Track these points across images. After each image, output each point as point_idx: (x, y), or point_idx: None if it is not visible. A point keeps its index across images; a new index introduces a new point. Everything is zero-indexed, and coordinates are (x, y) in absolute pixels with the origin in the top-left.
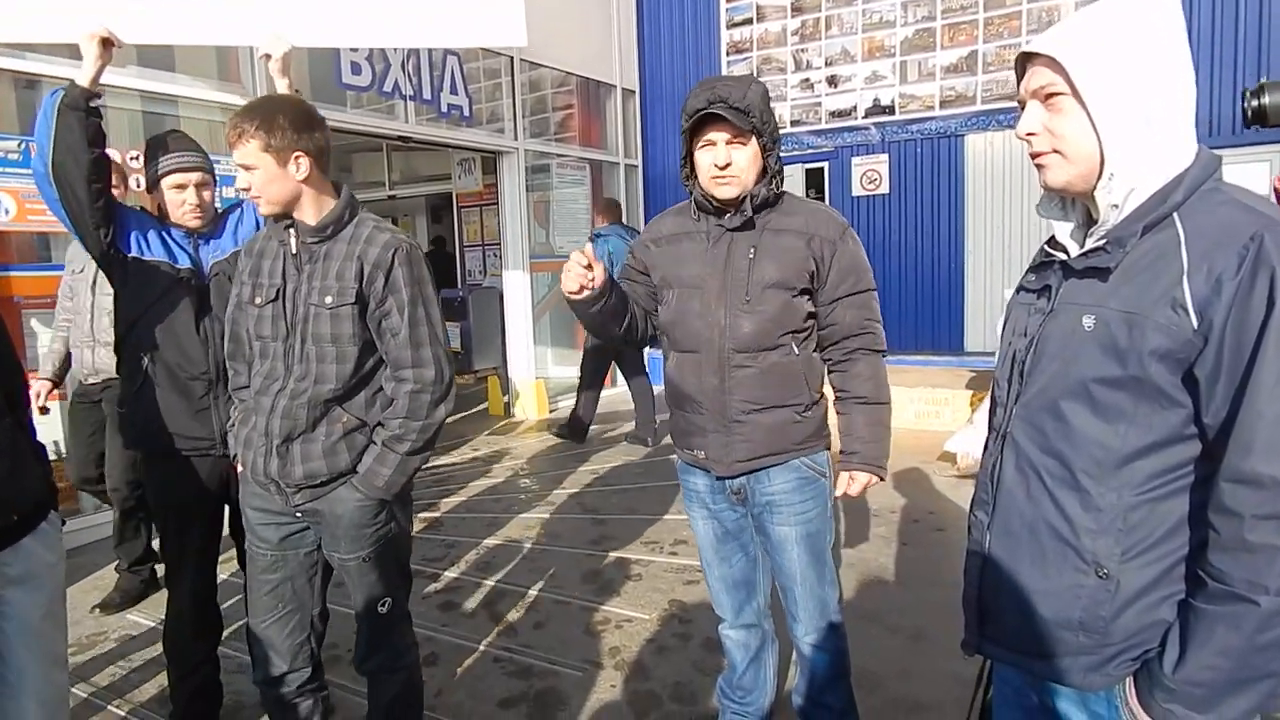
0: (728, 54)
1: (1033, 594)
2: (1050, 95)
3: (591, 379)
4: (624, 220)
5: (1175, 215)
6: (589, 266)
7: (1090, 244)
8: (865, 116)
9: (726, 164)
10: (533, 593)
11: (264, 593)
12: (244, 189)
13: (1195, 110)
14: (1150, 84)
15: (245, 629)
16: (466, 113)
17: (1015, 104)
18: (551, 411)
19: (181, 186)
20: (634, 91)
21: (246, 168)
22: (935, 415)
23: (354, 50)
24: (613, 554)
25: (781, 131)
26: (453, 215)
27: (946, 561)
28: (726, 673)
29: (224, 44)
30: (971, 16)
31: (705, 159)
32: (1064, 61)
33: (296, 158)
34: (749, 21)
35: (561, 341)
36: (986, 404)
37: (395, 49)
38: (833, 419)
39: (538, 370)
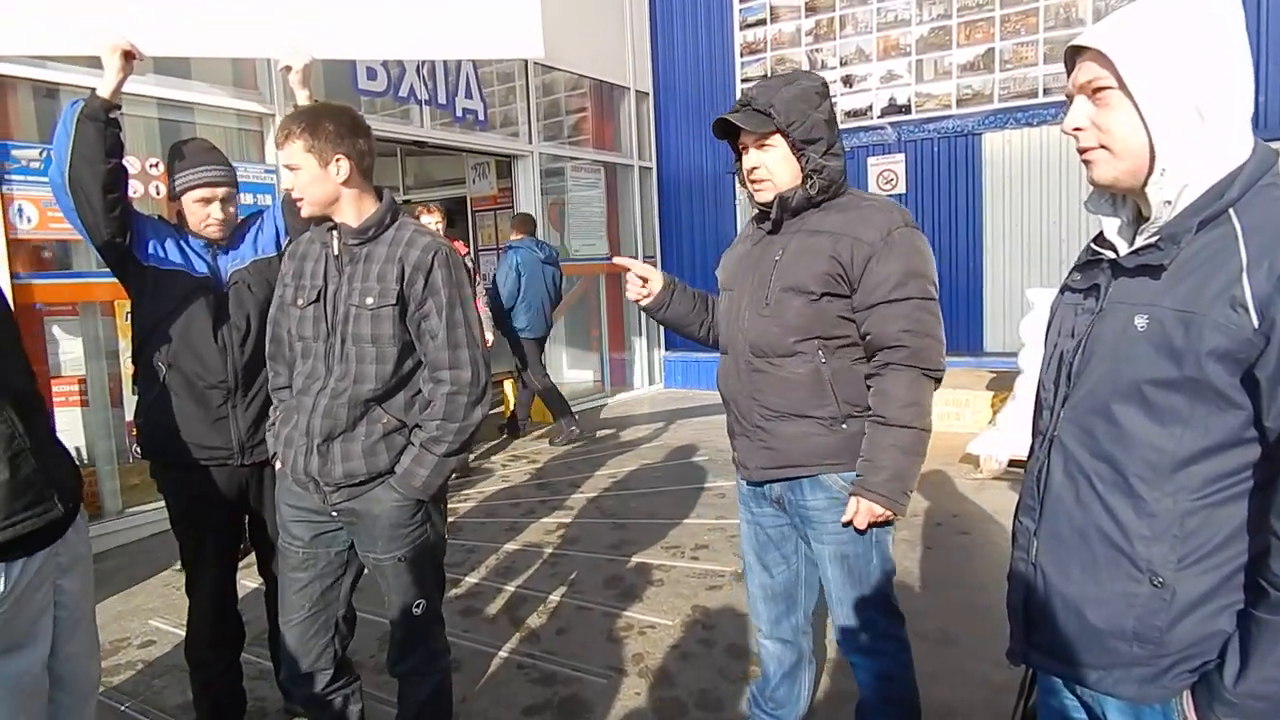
0: (741, 55)
1: (1084, 602)
2: (1098, 90)
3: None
4: (538, 234)
5: (1231, 211)
6: (643, 279)
7: (1141, 241)
8: (881, 116)
9: (754, 166)
10: (554, 598)
11: (295, 590)
12: (289, 188)
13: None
14: (1203, 77)
15: (267, 635)
16: (481, 117)
17: (1032, 101)
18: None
19: (207, 201)
20: (648, 94)
21: (291, 168)
22: (956, 417)
23: None
24: (634, 559)
25: None
26: (467, 219)
27: (970, 565)
28: (759, 681)
29: (244, 56)
30: (988, 14)
31: (745, 162)
32: (1111, 55)
33: (337, 160)
34: (762, 22)
35: (578, 344)
36: (1010, 406)
37: None
38: None
39: (554, 374)
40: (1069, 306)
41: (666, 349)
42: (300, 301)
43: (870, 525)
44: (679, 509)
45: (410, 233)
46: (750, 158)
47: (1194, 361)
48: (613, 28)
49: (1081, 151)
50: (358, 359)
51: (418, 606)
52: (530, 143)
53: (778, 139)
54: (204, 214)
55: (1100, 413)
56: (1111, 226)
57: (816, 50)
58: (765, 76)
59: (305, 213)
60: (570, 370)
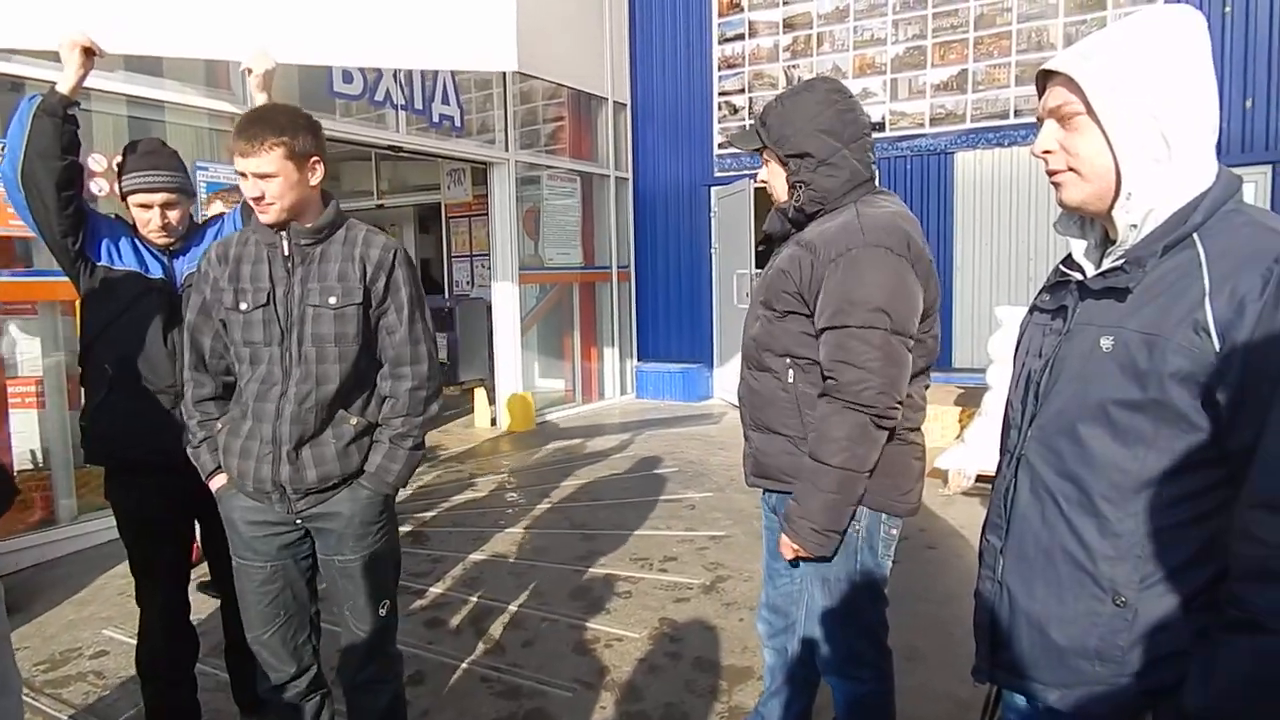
0: (719, 69)
1: (1047, 621)
2: (1067, 114)
3: None
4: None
5: (1195, 236)
6: None
7: (1108, 264)
8: None
9: (763, 180)
10: (520, 610)
11: (264, 605)
12: (255, 198)
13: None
14: (1169, 104)
15: (224, 647)
16: (458, 123)
17: (1003, 122)
18: (539, 424)
19: (146, 206)
20: (625, 105)
21: (265, 175)
22: (925, 432)
23: None
24: (602, 571)
25: None
26: (441, 225)
27: (938, 579)
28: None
29: (208, 57)
30: (962, 35)
31: None
32: (1080, 81)
33: (314, 163)
34: (741, 37)
35: (550, 353)
36: (978, 422)
37: None
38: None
39: (524, 383)
40: (1037, 327)
41: (639, 359)
42: (244, 305)
43: (814, 557)
44: (648, 521)
45: (363, 232)
46: (762, 170)
47: (1157, 383)
48: (592, 38)
49: (1050, 174)
50: (318, 360)
51: (383, 607)
52: (507, 150)
53: (769, 155)
54: (145, 219)
55: (1067, 433)
56: (1079, 248)
57: (794, 66)
58: (792, 87)
59: (271, 219)
60: (542, 379)
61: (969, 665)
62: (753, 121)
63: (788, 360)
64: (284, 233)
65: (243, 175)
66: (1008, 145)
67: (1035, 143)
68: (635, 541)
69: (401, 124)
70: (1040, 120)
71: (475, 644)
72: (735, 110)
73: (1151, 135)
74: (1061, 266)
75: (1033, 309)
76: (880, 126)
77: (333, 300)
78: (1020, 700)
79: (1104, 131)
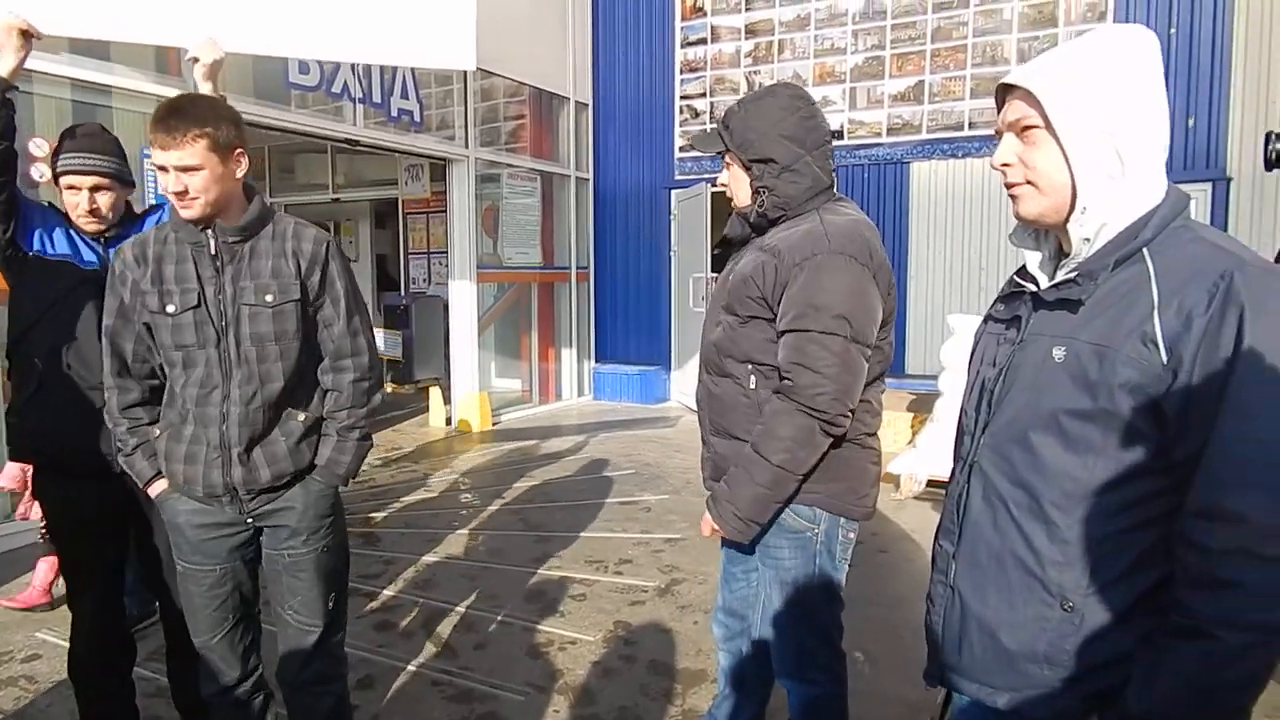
0: (681, 72)
1: (998, 625)
2: (1026, 128)
3: None
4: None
5: (1145, 251)
6: None
7: (1061, 276)
8: None
9: (725, 183)
10: (473, 612)
11: (213, 610)
12: (178, 192)
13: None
14: (1124, 121)
15: (165, 651)
16: (417, 118)
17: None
18: (495, 424)
19: (75, 189)
20: (587, 105)
21: (188, 169)
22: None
23: None
24: (556, 573)
25: None
26: (398, 221)
27: (888, 583)
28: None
29: (153, 43)
30: (920, 47)
31: None
32: (1039, 95)
33: (239, 155)
34: (703, 41)
35: (507, 353)
36: (929, 427)
37: None
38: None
39: (481, 382)
40: (991, 336)
41: (596, 361)
42: (172, 308)
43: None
44: (604, 523)
45: (292, 225)
46: (723, 173)
47: (1107, 393)
48: (555, 37)
49: (1008, 186)
50: (259, 359)
51: (332, 599)
52: (467, 147)
53: (732, 159)
54: (73, 202)
55: (1019, 441)
56: (1034, 260)
57: (755, 72)
58: (755, 92)
59: (195, 214)
60: (498, 379)
61: (919, 669)
62: (715, 125)
63: (749, 366)
64: (208, 230)
65: (162, 169)
66: (962, 157)
67: (995, 155)
68: (590, 544)
69: (359, 117)
70: (999, 134)
71: (426, 647)
72: (697, 114)
73: (1106, 151)
74: (1016, 277)
75: (987, 318)
76: (839, 135)
77: (269, 298)
78: (970, 703)
79: (1061, 146)
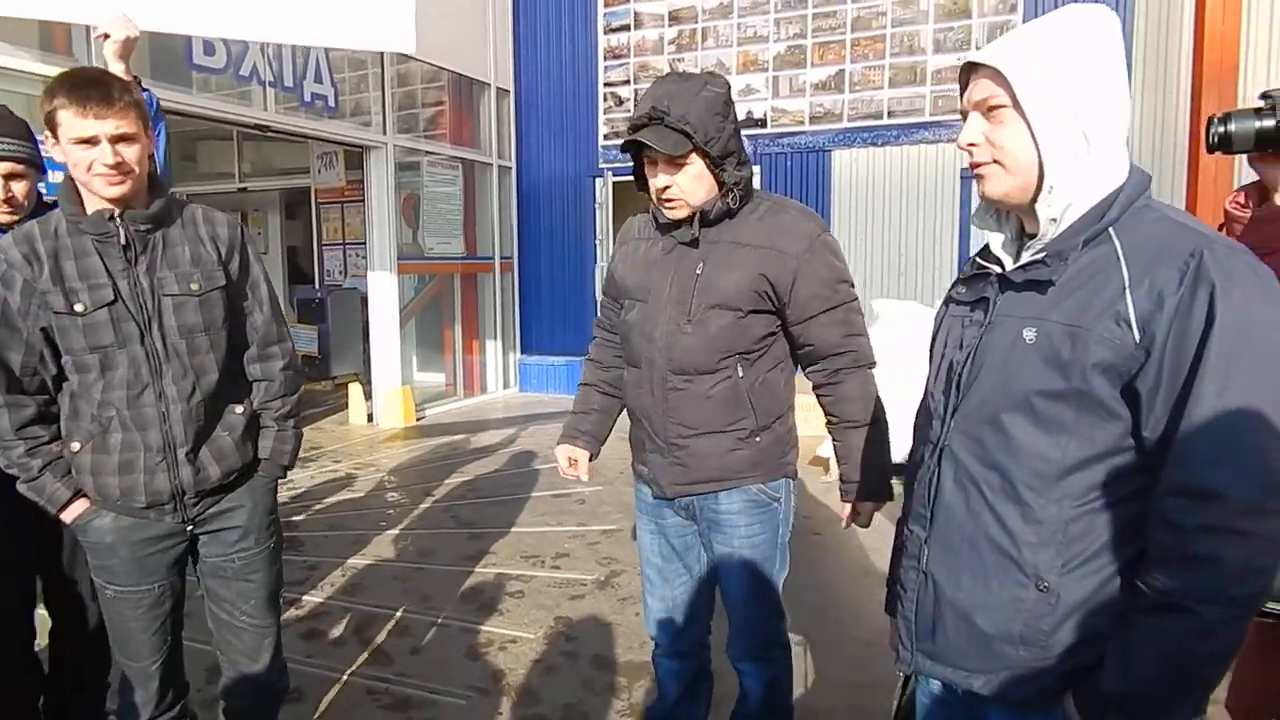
0: (605, 59)
1: (973, 608)
2: (993, 107)
3: None
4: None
5: (1111, 230)
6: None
7: (1028, 257)
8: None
9: (666, 186)
10: (407, 615)
11: (152, 632)
12: (113, 165)
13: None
14: (1090, 100)
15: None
16: (332, 103)
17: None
18: (419, 419)
19: None
20: (509, 91)
21: (125, 138)
22: (804, 420)
23: None
24: (492, 570)
25: None
26: (311, 212)
27: (822, 566)
28: (656, 702)
29: (59, 19)
30: (840, 37)
31: (650, 178)
32: (1007, 73)
33: (152, 131)
34: (626, 28)
35: (429, 346)
36: None
37: None
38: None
39: (404, 376)
40: (955, 319)
41: (522, 352)
42: (81, 307)
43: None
44: (538, 517)
45: (200, 210)
46: (660, 177)
47: (1080, 373)
48: (474, 21)
49: (974, 166)
50: (190, 351)
51: (281, 598)
52: (385, 134)
53: (694, 157)
54: None
55: (990, 422)
56: (996, 241)
57: (678, 60)
58: (674, 73)
59: (125, 192)
60: (421, 373)
61: (860, 650)
62: (658, 119)
63: (737, 357)
64: (115, 219)
65: (87, 142)
66: (881, 145)
67: (961, 135)
68: (525, 539)
69: (270, 102)
70: (964, 114)
71: (359, 654)
72: (621, 102)
73: (1073, 131)
74: (979, 259)
75: (949, 300)
76: (762, 123)
77: (194, 286)
78: (937, 686)
79: (1029, 125)
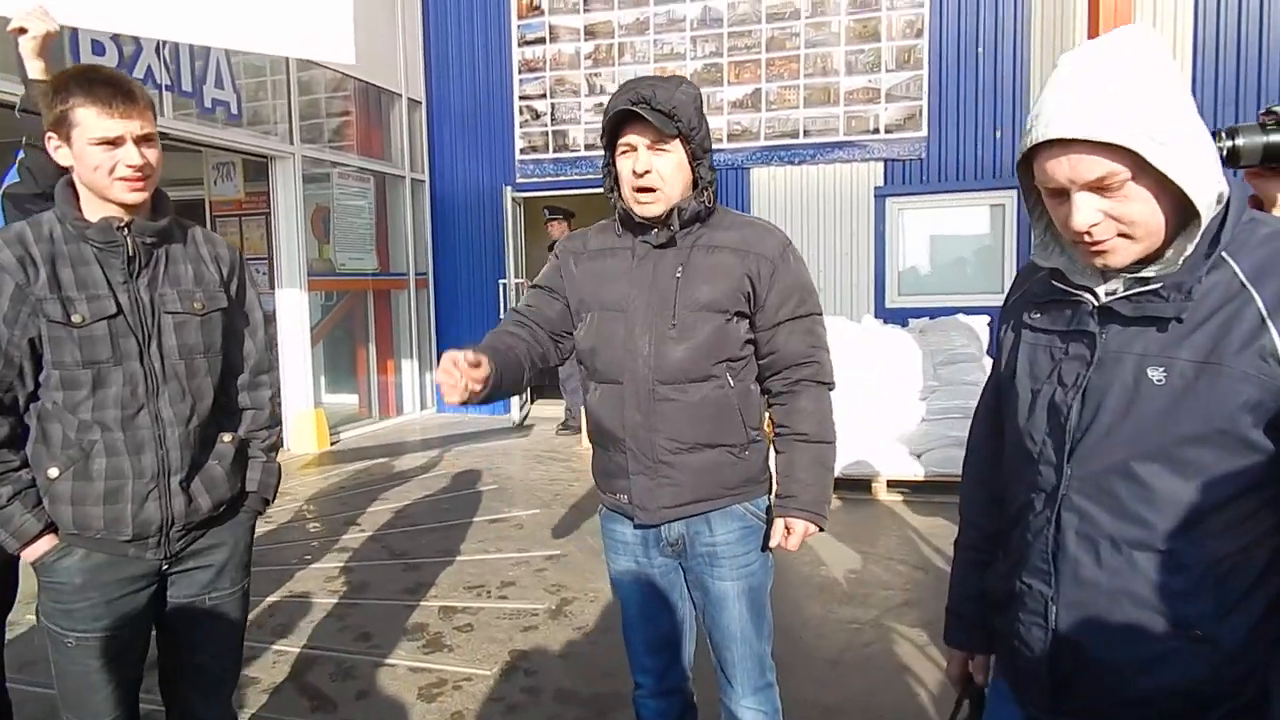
0: (520, 71)
1: (1123, 666)
2: (1115, 184)
3: None
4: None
5: (1224, 253)
6: (476, 364)
7: (1134, 288)
8: None
9: (646, 170)
10: (348, 656)
11: (114, 686)
12: (137, 166)
13: None
14: (1189, 116)
15: None
16: (234, 110)
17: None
18: (333, 443)
19: None
20: (420, 102)
21: (149, 139)
22: None
23: None
24: (435, 603)
25: (574, 155)
26: (205, 225)
27: (775, 583)
28: None
29: None
30: (755, 56)
31: (625, 166)
32: (1135, 146)
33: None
34: (541, 40)
35: (341, 366)
36: None
37: None
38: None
39: (315, 399)
40: (1038, 348)
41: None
42: (79, 317)
43: (773, 549)
44: (476, 544)
45: (200, 230)
46: (641, 160)
47: (1224, 415)
48: (383, 30)
49: (1094, 244)
50: (189, 374)
51: (245, 635)
52: (291, 143)
53: (677, 145)
54: None
55: (1120, 472)
56: (1070, 267)
57: (595, 74)
58: (648, 75)
59: (141, 199)
60: (330, 395)
61: (826, 671)
62: (643, 102)
63: (726, 365)
64: (124, 229)
65: (111, 143)
66: (798, 163)
67: (1076, 219)
68: (466, 567)
69: (167, 108)
70: (1057, 192)
71: (299, 703)
72: (537, 115)
73: (1201, 157)
74: (1058, 284)
75: (1022, 325)
76: None
77: (197, 305)
78: None
79: (1152, 187)
